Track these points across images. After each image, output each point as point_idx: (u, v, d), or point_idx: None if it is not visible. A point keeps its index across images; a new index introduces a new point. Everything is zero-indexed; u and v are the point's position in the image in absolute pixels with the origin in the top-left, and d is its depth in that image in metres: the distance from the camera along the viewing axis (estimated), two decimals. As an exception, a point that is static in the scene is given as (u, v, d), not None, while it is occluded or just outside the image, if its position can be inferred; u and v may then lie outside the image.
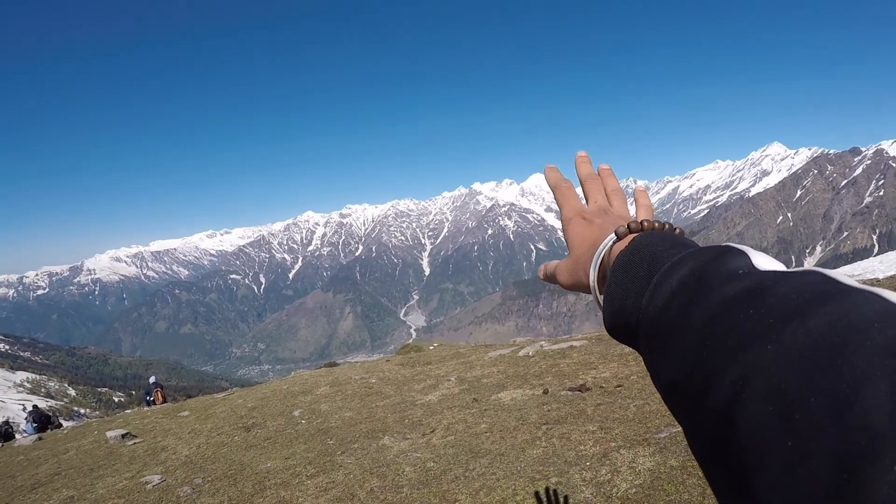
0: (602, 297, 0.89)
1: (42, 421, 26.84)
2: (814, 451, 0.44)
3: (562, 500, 5.56)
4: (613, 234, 0.96)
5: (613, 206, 1.19)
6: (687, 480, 5.20)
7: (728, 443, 0.45)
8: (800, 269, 0.60)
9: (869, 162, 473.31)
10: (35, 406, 28.83)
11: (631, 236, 0.91)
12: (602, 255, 0.96)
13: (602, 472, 5.90)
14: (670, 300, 0.69)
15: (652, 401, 7.71)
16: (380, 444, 9.24)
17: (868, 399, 0.51)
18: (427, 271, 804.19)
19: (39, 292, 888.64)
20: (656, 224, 0.96)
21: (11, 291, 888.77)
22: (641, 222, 0.96)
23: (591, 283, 0.97)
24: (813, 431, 0.52)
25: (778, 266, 0.65)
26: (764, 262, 0.64)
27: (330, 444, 10.01)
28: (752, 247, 0.67)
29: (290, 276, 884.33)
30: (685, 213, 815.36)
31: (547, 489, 5.90)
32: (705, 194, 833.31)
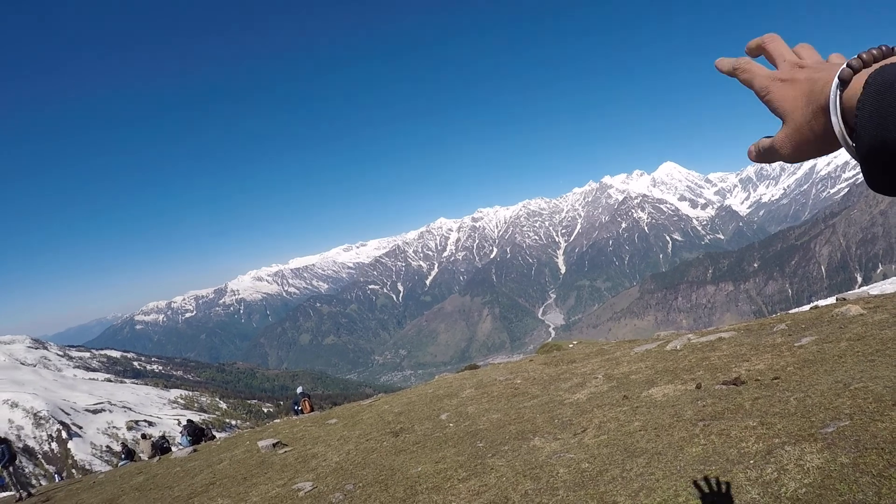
0: (854, 145, 0.82)
1: (196, 434, 28.16)
2: None
3: (728, 498, 5.37)
4: (837, 80, 0.88)
5: (804, 58, 1.08)
6: (860, 479, 4.90)
7: None
8: None
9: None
10: (189, 420, 30.28)
11: (861, 77, 0.83)
12: (837, 103, 0.88)
13: (767, 471, 5.63)
14: None
15: (813, 393, 7.32)
16: (530, 446, 9.18)
17: None
18: (563, 269, 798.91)
19: (188, 315, 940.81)
20: (874, 51, 0.89)
21: (161, 317, 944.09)
22: (860, 56, 0.88)
23: (838, 131, 0.89)
24: None
25: None
26: None
27: (479, 447, 10.02)
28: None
29: (427, 282, 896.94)
30: (824, 193, 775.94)
31: (710, 488, 5.71)
32: (844, 171, 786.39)
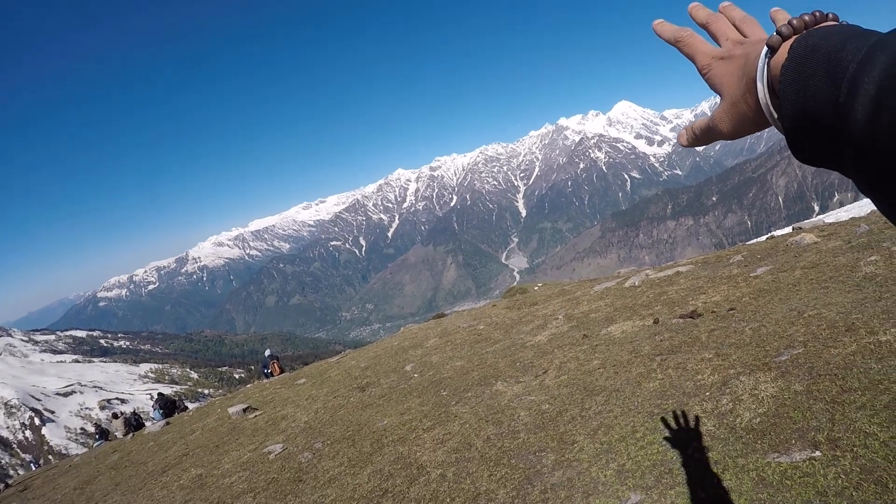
0: (777, 114, 0.83)
1: (168, 406, 28.01)
2: None
3: (685, 432, 5.40)
4: (765, 48, 0.85)
5: (748, 35, 1.04)
6: (814, 406, 4.93)
7: None
8: None
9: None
10: (160, 393, 30.08)
11: (788, 43, 0.82)
12: (765, 72, 0.85)
13: (723, 402, 5.68)
14: (876, 113, 0.59)
15: (767, 322, 7.39)
16: (493, 391, 9.25)
17: None
18: (523, 213, 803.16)
19: (151, 287, 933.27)
20: (806, 17, 0.85)
21: (124, 291, 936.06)
22: (790, 22, 0.85)
23: (762, 98, 0.85)
24: None
25: None
26: None
27: (443, 396, 10.10)
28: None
29: (389, 234, 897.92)
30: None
31: (667, 422, 5.74)
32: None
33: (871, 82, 0.58)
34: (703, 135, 1.05)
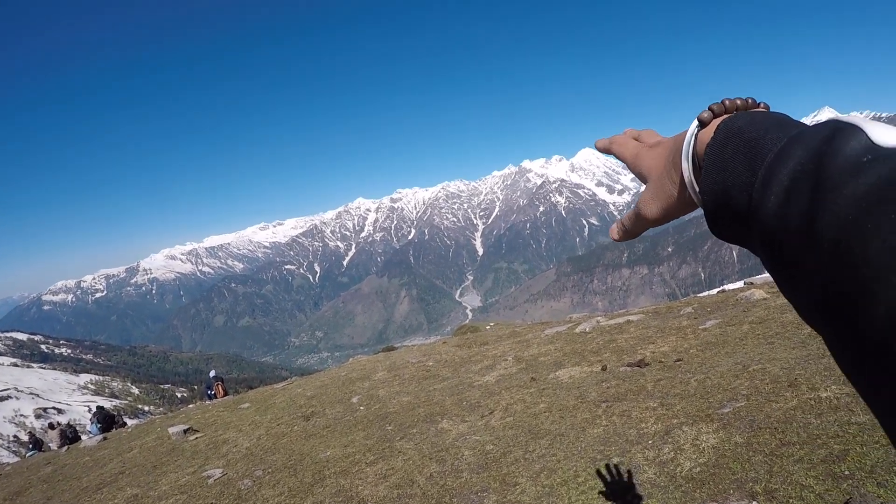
0: (699, 189, 0.84)
1: (107, 421, 27.34)
2: None
3: (626, 479, 5.45)
4: (696, 122, 0.87)
5: (648, 138, 1.10)
6: (753, 457, 5.03)
7: (890, 366, 0.49)
8: None
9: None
10: (99, 407, 29.38)
11: (717, 121, 0.83)
12: (691, 146, 0.86)
13: (665, 451, 5.76)
14: (786, 203, 0.62)
15: (713, 374, 7.53)
16: (439, 428, 9.23)
17: None
18: (480, 251, 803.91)
19: (98, 295, 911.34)
20: (738, 101, 0.87)
21: (70, 297, 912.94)
22: (723, 102, 0.87)
23: (686, 173, 0.86)
24: None
25: None
26: (884, 135, 0.57)
27: (388, 430, 10.03)
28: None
29: (345, 263, 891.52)
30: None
31: (609, 469, 5.79)
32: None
33: (786, 173, 0.63)
34: (632, 226, 1.07)
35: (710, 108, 0.87)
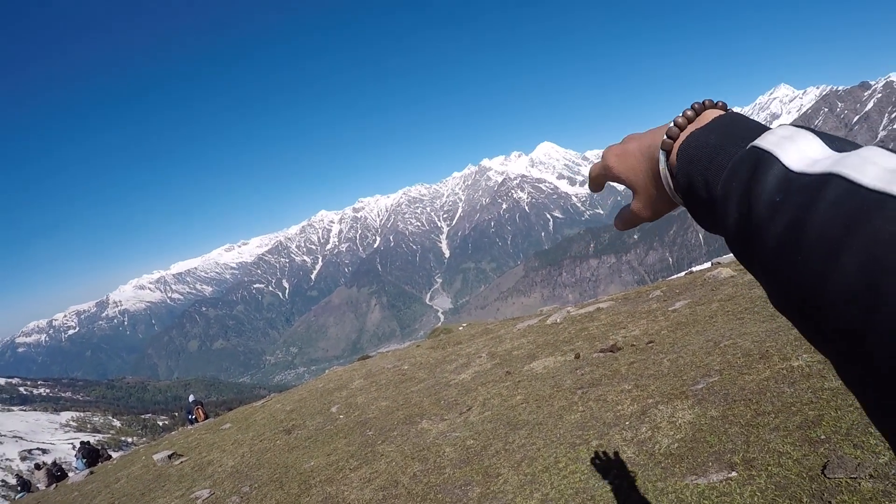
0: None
1: (91, 455, 27.14)
2: None
3: (605, 460, 5.50)
4: (662, 152, 0.91)
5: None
6: (729, 430, 5.10)
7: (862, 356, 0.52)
8: (820, 173, 0.57)
9: (880, 95, 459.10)
10: (83, 442, 29.11)
11: (677, 145, 0.89)
12: (667, 174, 0.91)
13: (642, 430, 5.82)
14: (739, 229, 0.68)
15: (685, 353, 7.62)
16: (418, 429, 9.26)
17: None
18: (447, 253, 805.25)
19: (70, 332, 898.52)
20: (689, 112, 0.91)
21: (44, 336, 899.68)
22: (685, 113, 0.91)
23: (667, 187, 0.92)
24: None
25: (815, 155, 0.63)
26: (796, 157, 0.64)
27: (369, 435, 10.05)
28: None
29: (313, 276, 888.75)
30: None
31: (589, 452, 5.84)
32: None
33: (733, 207, 0.69)
34: (631, 220, 1.10)
35: (675, 123, 0.90)
